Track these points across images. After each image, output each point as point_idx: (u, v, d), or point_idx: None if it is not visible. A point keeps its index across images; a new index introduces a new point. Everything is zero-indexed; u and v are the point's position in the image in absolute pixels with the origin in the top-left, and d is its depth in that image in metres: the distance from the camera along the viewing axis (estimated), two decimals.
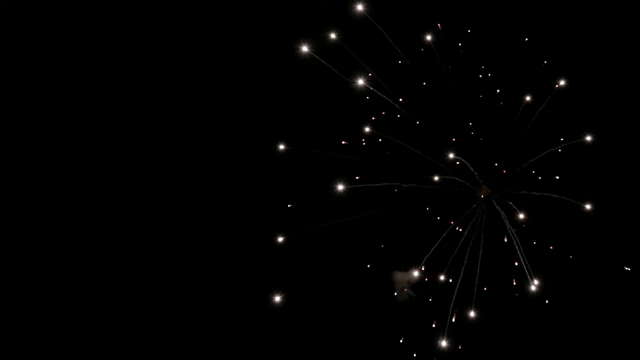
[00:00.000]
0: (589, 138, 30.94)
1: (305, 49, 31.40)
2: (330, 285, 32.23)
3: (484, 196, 32.42)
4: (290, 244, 31.91)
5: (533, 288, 30.34)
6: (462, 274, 31.27)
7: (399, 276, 32.16)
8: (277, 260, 32.06)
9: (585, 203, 31.08)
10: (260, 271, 32.38)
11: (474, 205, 32.35)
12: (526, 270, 30.76)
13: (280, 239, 31.81)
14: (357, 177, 31.79)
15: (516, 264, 30.71)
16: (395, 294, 32.20)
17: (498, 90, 31.98)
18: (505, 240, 30.99)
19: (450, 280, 31.04)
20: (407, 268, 32.03)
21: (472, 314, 30.73)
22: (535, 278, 30.66)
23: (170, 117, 34.22)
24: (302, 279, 32.16)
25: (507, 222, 31.77)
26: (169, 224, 33.25)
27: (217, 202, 33.54)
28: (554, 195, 31.38)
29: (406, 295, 31.96)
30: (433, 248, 31.52)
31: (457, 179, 32.21)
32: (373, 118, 32.09)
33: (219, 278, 32.82)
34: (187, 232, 33.25)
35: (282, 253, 32.00)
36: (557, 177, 31.38)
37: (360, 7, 31.59)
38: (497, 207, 32.22)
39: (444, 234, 31.67)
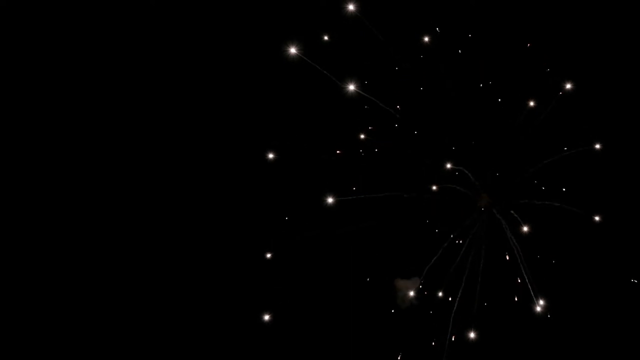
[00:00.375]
0: (597, 146, 29.84)
1: (293, 50, 29.95)
2: (327, 299, 31.25)
3: (484, 205, 31.35)
4: (287, 257, 31.04)
5: (538, 309, 29.30)
6: (461, 287, 30.54)
7: (400, 283, 31.44)
8: (271, 274, 31.14)
9: (587, 212, 30.27)
10: (255, 285, 31.45)
11: (474, 215, 31.47)
12: (529, 286, 29.98)
13: (268, 255, 30.83)
14: (353, 188, 30.70)
15: (519, 280, 29.80)
16: (397, 301, 31.53)
17: (500, 99, 31.11)
18: (508, 258, 30.23)
19: (450, 299, 30.36)
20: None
21: (472, 334, 29.97)
22: (539, 295, 29.90)
23: (152, 121, 32.87)
24: (299, 291, 31.18)
25: (508, 232, 30.97)
26: (149, 237, 32.06)
27: (201, 215, 32.26)
28: (555, 204, 30.47)
29: (408, 302, 31.18)
30: (433, 260, 30.75)
31: (458, 187, 31.39)
32: (370, 127, 30.70)
33: (206, 295, 31.73)
34: (170, 246, 32.00)
35: (276, 267, 31.08)
36: (564, 189, 30.50)
37: (351, 7, 30.22)
38: (498, 216, 31.37)
39: (445, 244, 30.89)
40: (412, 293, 30.94)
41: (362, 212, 30.54)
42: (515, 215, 30.80)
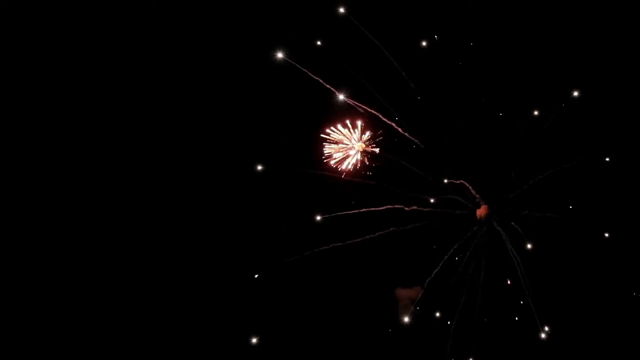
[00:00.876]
0: (608, 159, 29.34)
1: (280, 55, 29.35)
2: (326, 315, 30.77)
3: (484, 217, 30.77)
4: (285, 273, 30.41)
5: (543, 335, 29.03)
6: (462, 300, 30.32)
7: (402, 293, 31.15)
8: (265, 293, 30.62)
9: (587, 223, 29.92)
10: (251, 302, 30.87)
11: (475, 228, 30.96)
12: (529, 300, 29.79)
13: (256, 275, 30.38)
14: (352, 202, 29.91)
15: (521, 302, 29.74)
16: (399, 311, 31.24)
17: (500, 113, 30.77)
18: (509, 283, 30.02)
19: (449, 323, 30.14)
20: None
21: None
22: (541, 308, 29.60)
23: (134, 131, 31.86)
24: (301, 303, 30.88)
25: (508, 244, 30.56)
26: (129, 259, 31.23)
27: (187, 232, 31.32)
28: (555, 216, 30.15)
29: (410, 312, 30.75)
30: (434, 272, 30.35)
31: (459, 198, 31.01)
32: (368, 134, 29.89)
33: (194, 318, 30.96)
34: (156, 267, 31.14)
35: (271, 285, 30.57)
36: (564, 201, 30.20)
37: (342, 10, 29.68)
38: (498, 228, 30.88)
39: (445, 257, 30.47)
40: (412, 302, 30.62)
41: (363, 226, 29.98)
42: (516, 226, 30.51)
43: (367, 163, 29.46)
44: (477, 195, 30.66)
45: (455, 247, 30.50)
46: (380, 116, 29.52)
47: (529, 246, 29.52)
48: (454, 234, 30.75)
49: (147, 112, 31.73)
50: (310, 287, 30.36)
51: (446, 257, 30.33)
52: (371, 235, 29.72)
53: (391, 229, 29.82)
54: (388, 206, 29.60)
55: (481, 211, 30.96)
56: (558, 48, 30.36)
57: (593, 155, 29.76)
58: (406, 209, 29.72)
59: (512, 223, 30.45)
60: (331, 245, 29.66)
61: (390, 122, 29.56)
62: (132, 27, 31.52)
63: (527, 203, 30.53)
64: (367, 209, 29.58)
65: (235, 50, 31.37)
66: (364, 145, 29.54)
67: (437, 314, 30.19)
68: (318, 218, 29.72)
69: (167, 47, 31.69)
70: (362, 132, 29.58)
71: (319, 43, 30.03)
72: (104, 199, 31.13)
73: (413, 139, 29.94)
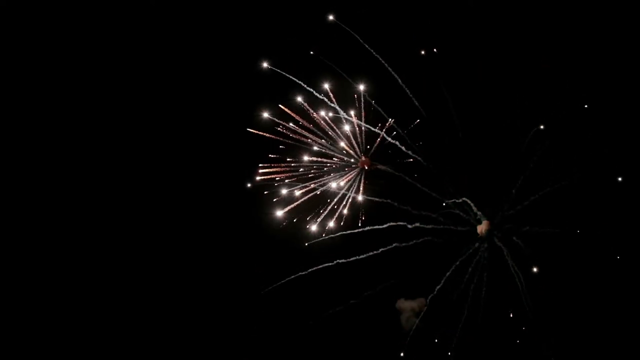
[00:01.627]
0: (620, 179, 29.43)
1: (265, 64, 29.49)
2: (330, 328, 31.06)
3: (485, 233, 30.88)
4: (290, 288, 30.60)
5: None
6: (464, 317, 30.48)
7: (405, 304, 31.29)
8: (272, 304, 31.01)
9: (587, 237, 30.04)
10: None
11: (477, 244, 31.10)
12: (530, 316, 29.84)
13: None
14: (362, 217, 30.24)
15: (523, 328, 29.96)
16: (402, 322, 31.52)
17: (502, 131, 30.91)
18: (511, 315, 30.18)
19: (449, 354, 30.20)
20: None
21: None
22: (543, 325, 29.88)
23: (126, 142, 32.20)
24: (304, 317, 31.08)
25: (509, 260, 30.77)
26: (125, 275, 31.59)
27: (184, 248, 31.67)
28: (556, 231, 30.22)
29: (412, 324, 30.96)
30: (436, 289, 30.51)
31: (461, 213, 31.09)
32: (367, 146, 30.15)
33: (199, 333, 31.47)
34: (151, 282, 31.51)
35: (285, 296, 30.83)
36: (564, 217, 30.20)
37: (331, 17, 29.89)
38: (499, 243, 31.00)
39: (447, 274, 30.63)
40: (415, 314, 30.87)
41: (366, 243, 30.20)
42: (517, 240, 30.69)
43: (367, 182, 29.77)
44: (478, 212, 30.80)
45: (457, 263, 30.68)
46: (383, 133, 29.65)
47: (534, 270, 29.66)
48: (456, 249, 30.95)
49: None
50: (314, 303, 30.55)
51: (448, 273, 30.52)
52: (375, 252, 29.94)
53: (394, 245, 30.03)
54: (391, 223, 29.78)
55: (482, 227, 31.17)
56: (562, 62, 30.55)
57: (596, 173, 29.94)
58: (409, 226, 29.88)
59: (514, 238, 30.67)
60: (335, 262, 29.82)
61: (396, 143, 29.71)
62: (123, 30, 31.70)
63: (528, 219, 30.69)
64: (371, 227, 29.78)
65: (232, 57, 31.56)
66: (369, 161, 29.76)
67: (436, 340, 30.56)
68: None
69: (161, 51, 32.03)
70: (365, 148, 29.81)
71: (312, 52, 30.14)
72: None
73: (416, 156, 30.11)
